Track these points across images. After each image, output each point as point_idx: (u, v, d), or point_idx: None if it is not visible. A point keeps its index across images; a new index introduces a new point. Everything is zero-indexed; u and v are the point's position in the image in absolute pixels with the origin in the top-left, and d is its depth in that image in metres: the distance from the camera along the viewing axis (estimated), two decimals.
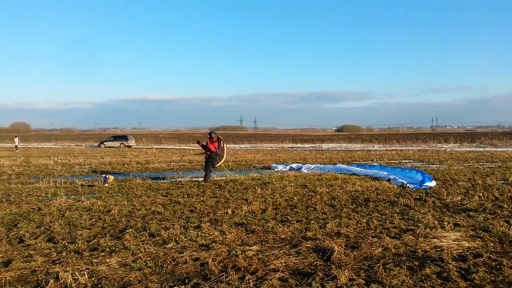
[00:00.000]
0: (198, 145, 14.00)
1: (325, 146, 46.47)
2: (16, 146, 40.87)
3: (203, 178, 13.41)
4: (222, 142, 13.68)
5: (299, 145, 49.97)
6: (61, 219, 7.73)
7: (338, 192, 10.71)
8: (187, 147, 45.02)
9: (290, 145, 48.99)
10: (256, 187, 11.57)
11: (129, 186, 12.41)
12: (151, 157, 26.72)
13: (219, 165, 13.88)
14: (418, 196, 9.94)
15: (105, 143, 47.57)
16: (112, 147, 45.80)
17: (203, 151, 13.88)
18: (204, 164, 13.89)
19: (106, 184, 12.32)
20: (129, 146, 46.44)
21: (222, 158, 13.72)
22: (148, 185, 12.63)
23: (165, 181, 13.69)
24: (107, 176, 12.70)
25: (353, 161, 21.84)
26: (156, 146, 49.24)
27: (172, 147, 46.02)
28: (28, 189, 11.73)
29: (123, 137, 49.10)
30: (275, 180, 13.34)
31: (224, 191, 11.03)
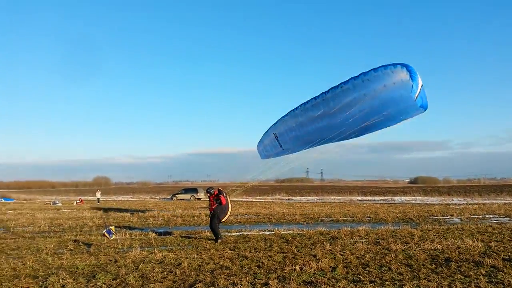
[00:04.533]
0: (209, 197, 13.00)
1: (398, 199, 44.11)
2: (98, 199, 44.02)
3: (214, 239, 12.28)
4: (225, 194, 13.07)
5: (369, 197, 48.00)
6: (135, 272, 8.04)
7: (415, 250, 9.98)
8: (254, 200, 45.31)
9: (360, 198, 47.22)
10: (324, 243, 11.20)
11: (198, 239, 12.66)
12: None
13: (226, 219, 13.14)
14: (507, 257, 8.93)
15: (177, 195, 49.61)
16: (183, 199, 47.56)
17: (209, 205, 12.99)
18: (210, 220, 12.75)
19: (113, 236, 12.19)
20: (199, 199, 47.87)
21: (228, 211, 12.95)
22: None
23: (233, 234, 13.78)
24: (110, 229, 12.61)
25: (430, 215, 20.40)
26: None
27: (240, 199, 46.59)
28: (106, 241, 12.45)
29: (193, 190, 50.85)
30: (344, 235, 12.83)
31: (291, 246, 10.81)
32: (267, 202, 40.22)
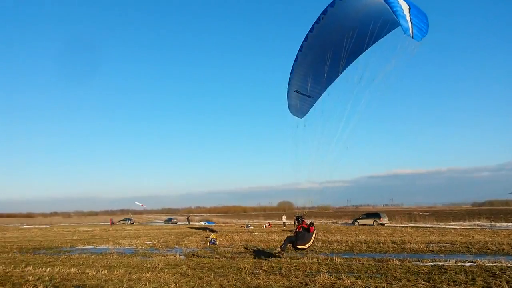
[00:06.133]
0: (298, 222, 13.82)
1: None
2: (284, 222, 46.84)
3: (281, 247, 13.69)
4: (314, 227, 13.79)
5: None
6: None
7: None
8: (446, 226, 40.65)
9: None
10: None
11: (387, 267, 12.07)
12: (406, 237, 25.34)
13: (302, 249, 13.47)
14: None
15: (358, 220, 48.54)
16: (365, 224, 46.19)
17: (295, 228, 13.78)
18: (291, 234, 13.64)
19: (217, 242, 13.47)
20: (383, 224, 45.69)
21: (309, 242, 13.38)
22: (407, 267, 11.94)
23: (425, 264, 12.63)
24: (212, 239, 14.06)
25: None
26: (411, 225, 46.56)
27: (430, 226, 42.44)
28: (295, 264, 13.07)
29: (376, 215, 48.91)
30: None
31: (500, 281, 9.24)
32: (463, 228, 35.48)
